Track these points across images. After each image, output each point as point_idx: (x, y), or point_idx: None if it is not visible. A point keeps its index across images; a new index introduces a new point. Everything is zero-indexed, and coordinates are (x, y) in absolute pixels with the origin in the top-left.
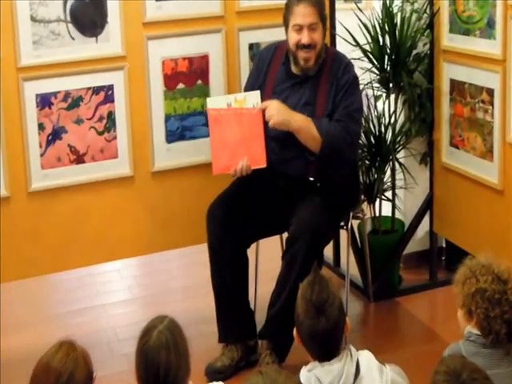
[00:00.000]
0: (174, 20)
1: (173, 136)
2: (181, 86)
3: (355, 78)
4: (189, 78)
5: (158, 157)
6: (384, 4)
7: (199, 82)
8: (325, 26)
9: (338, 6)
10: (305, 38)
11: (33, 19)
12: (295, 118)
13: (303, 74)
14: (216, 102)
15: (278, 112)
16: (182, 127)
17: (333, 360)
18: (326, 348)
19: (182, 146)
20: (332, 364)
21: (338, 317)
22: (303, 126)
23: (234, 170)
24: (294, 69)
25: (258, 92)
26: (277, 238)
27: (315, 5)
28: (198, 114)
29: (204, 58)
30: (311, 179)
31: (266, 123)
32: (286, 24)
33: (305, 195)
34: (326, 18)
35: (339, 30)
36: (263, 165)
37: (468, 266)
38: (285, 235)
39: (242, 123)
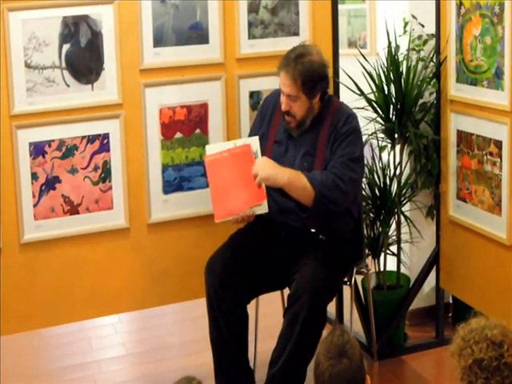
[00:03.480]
0: (172, 67)
1: (170, 187)
2: (178, 135)
3: (356, 130)
4: (187, 126)
5: (154, 208)
6: (389, 52)
7: (198, 130)
8: (312, 97)
9: (341, 51)
10: (283, 104)
11: (27, 65)
12: (282, 173)
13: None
14: (215, 149)
15: (262, 169)
16: (180, 178)
17: None
18: None
19: (180, 198)
20: None
21: (359, 362)
22: (292, 179)
23: (236, 214)
24: None
25: (257, 138)
26: (277, 293)
27: (295, 78)
28: (197, 165)
29: (203, 107)
30: (313, 231)
31: None
32: None
33: (307, 248)
34: (314, 89)
35: (342, 77)
36: (264, 199)
37: (461, 336)
38: (286, 291)
39: (239, 163)
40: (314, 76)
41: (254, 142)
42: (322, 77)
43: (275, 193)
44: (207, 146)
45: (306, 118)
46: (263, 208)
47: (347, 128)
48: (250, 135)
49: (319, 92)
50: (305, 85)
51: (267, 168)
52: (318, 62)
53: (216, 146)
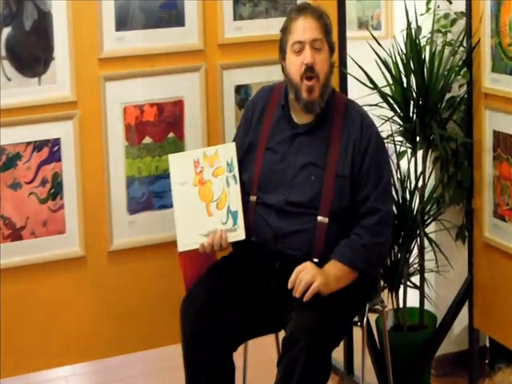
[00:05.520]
0: (140, 55)
1: (137, 205)
2: (147, 140)
3: (378, 135)
4: (158, 129)
5: (117, 232)
6: (409, 35)
7: (171, 134)
8: (332, 52)
9: (349, 34)
10: (307, 56)
11: None
12: (331, 278)
13: (307, 123)
14: (180, 160)
15: (314, 275)
16: (149, 193)
17: None
18: None
19: (149, 218)
20: None
21: None
22: (340, 280)
23: (203, 244)
24: (295, 116)
25: (233, 144)
26: (271, 336)
27: (319, 18)
28: (169, 177)
29: (177, 105)
30: (316, 261)
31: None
32: (282, 53)
33: None
34: (333, 43)
35: (351, 67)
36: (241, 236)
37: None
38: (281, 333)
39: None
40: (330, 22)
41: (229, 150)
42: (331, 27)
43: (268, 214)
44: (170, 156)
45: (327, 85)
46: (239, 234)
47: (368, 137)
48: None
49: (334, 52)
50: (327, 28)
51: (318, 273)
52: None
53: (181, 157)
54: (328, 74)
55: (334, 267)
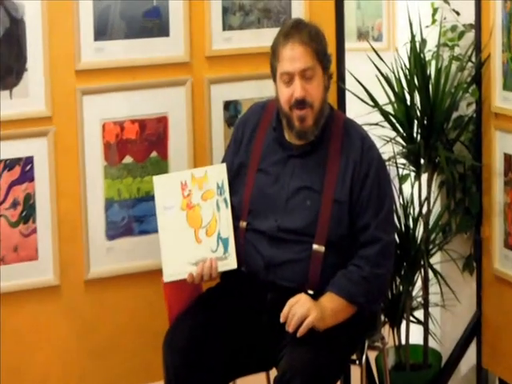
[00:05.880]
0: (120, 67)
1: (116, 230)
2: (128, 159)
3: (379, 159)
4: (139, 148)
5: (94, 259)
6: (413, 48)
7: (154, 154)
8: (327, 71)
9: (348, 45)
10: (297, 90)
11: None
12: (327, 312)
13: (302, 145)
14: (165, 182)
15: (308, 309)
16: (130, 217)
17: None
18: None
19: (129, 244)
20: None
21: None
22: (337, 314)
23: (191, 274)
24: (288, 136)
25: (224, 165)
26: (261, 375)
27: (308, 44)
28: (152, 199)
29: (161, 121)
30: (310, 293)
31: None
32: (273, 75)
33: None
34: (329, 59)
35: (349, 81)
36: (232, 265)
37: None
38: (273, 372)
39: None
40: (323, 40)
41: (219, 171)
42: (328, 45)
43: (259, 241)
44: (155, 178)
45: (322, 111)
46: (230, 263)
47: (368, 162)
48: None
49: (330, 66)
50: (319, 51)
51: (313, 306)
52: (320, 28)
53: (166, 179)
54: (323, 98)
55: (330, 300)
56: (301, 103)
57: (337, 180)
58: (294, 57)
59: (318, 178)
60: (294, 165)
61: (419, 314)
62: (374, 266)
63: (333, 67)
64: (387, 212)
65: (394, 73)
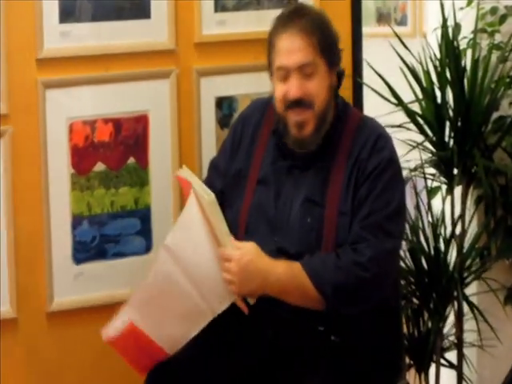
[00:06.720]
0: (91, 56)
1: (85, 252)
2: (100, 166)
3: (391, 162)
4: (114, 153)
5: (59, 287)
6: (444, 35)
7: (131, 160)
8: (334, 67)
9: (365, 30)
10: (292, 89)
11: None
12: (271, 280)
13: (305, 153)
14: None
15: (240, 276)
16: (102, 237)
17: None
18: None
19: (101, 269)
20: None
21: None
22: (287, 286)
23: None
24: (290, 142)
25: (213, 198)
26: None
27: (310, 32)
28: (129, 216)
29: (140, 121)
30: (320, 329)
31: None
32: (269, 69)
33: (310, 357)
34: (337, 54)
35: (367, 74)
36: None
37: None
38: None
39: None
40: (330, 30)
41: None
42: (337, 37)
43: None
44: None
45: (325, 115)
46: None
47: (377, 161)
48: (212, 176)
49: (339, 63)
50: (323, 43)
51: (246, 275)
52: (326, 16)
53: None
54: (326, 99)
55: (288, 272)
56: (297, 104)
57: (341, 188)
58: (292, 49)
59: (321, 188)
60: (296, 177)
61: (451, 355)
62: (355, 263)
63: (347, 57)
64: (385, 218)
65: (421, 64)
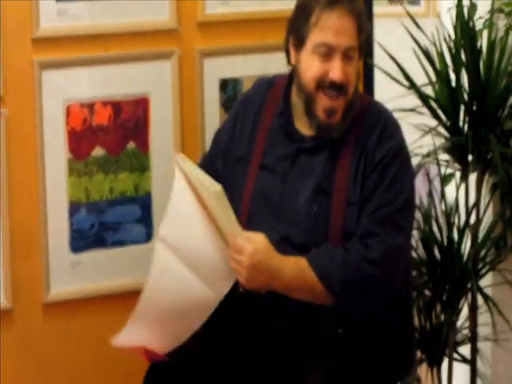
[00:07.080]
0: (89, 35)
1: (83, 240)
2: (99, 151)
3: (400, 150)
4: (113, 137)
5: (55, 277)
6: (459, 15)
7: (131, 145)
8: (362, 53)
9: (377, 10)
10: (337, 71)
11: None
12: (279, 278)
13: (317, 136)
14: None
15: (250, 272)
16: (100, 225)
17: None
18: None
19: (100, 258)
20: None
21: None
22: (294, 283)
23: None
24: (299, 125)
25: (221, 191)
26: None
27: (356, 15)
28: (129, 202)
29: (140, 104)
30: (327, 322)
31: None
32: (296, 41)
33: (315, 352)
34: (364, 41)
35: (378, 56)
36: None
37: None
38: None
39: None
40: (364, 16)
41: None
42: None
43: None
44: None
45: (353, 102)
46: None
47: (385, 149)
48: (209, 163)
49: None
50: (361, 27)
51: (255, 270)
52: None
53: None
54: (356, 84)
55: (295, 270)
56: (335, 88)
57: (348, 176)
58: (342, 29)
59: (328, 176)
60: (304, 162)
61: (465, 349)
62: (366, 260)
63: None
64: (395, 211)
65: (435, 45)
